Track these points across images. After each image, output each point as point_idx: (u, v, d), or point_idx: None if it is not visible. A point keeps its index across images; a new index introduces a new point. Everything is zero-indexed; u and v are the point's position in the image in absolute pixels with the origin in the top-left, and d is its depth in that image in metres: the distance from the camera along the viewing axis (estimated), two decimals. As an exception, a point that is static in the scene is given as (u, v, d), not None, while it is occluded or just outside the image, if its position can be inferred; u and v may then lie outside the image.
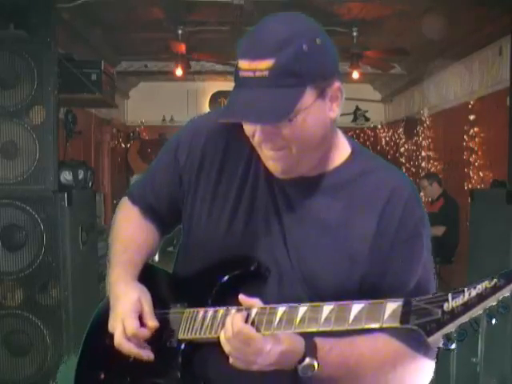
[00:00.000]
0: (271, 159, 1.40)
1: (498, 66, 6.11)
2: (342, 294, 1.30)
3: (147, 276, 1.59)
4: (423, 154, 8.79)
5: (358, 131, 10.34)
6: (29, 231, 3.93)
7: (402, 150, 9.76)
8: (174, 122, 9.98)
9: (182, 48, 6.67)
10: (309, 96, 1.32)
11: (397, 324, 1.17)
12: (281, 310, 1.29)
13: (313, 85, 1.32)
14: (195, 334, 1.42)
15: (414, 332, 1.28)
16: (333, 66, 1.37)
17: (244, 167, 1.49)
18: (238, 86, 1.34)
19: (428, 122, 8.59)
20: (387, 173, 1.47)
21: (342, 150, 1.47)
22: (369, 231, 1.39)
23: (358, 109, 10.19)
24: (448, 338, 1.13)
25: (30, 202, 3.92)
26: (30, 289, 3.97)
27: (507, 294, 1.09)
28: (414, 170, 9.22)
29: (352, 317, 1.22)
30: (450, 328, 1.12)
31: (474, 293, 1.11)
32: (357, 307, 1.22)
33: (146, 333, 1.46)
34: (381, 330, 1.35)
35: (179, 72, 7.09)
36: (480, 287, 1.11)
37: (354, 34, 6.55)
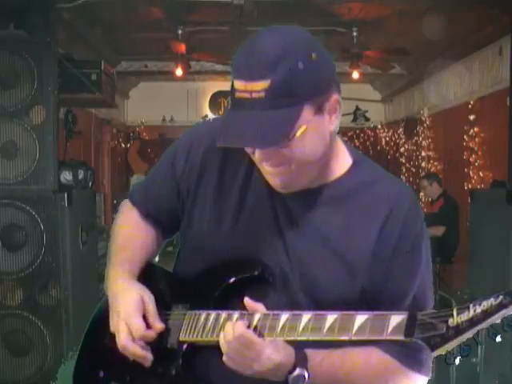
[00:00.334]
0: (271, 175, 1.39)
1: (498, 66, 6.11)
2: (342, 304, 1.30)
3: (149, 276, 1.59)
4: (423, 153, 8.78)
5: (358, 131, 10.33)
6: (29, 231, 3.93)
7: (402, 149, 9.76)
8: (174, 122, 9.98)
9: (182, 48, 6.67)
10: (307, 113, 1.30)
11: (401, 337, 1.17)
12: (284, 316, 1.29)
13: (310, 101, 1.30)
14: (197, 336, 1.41)
15: (407, 348, 1.29)
16: (330, 78, 1.35)
17: (244, 176, 1.48)
18: (235, 107, 1.32)
19: (428, 122, 8.59)
20: (388, 184, 1.46)
21: (343, 160, 1.46)
22: (369, 243, 1.38)
23: (358, 109, 10.18)
24: (451, 353, 1.13)
25: (30, 202, 3.92)
26: (30, 289, 3.97)
27: None
28: (413, 169, 9.22)
29: (356, 327, 1.22)
30: (454, 344, 1.13)
31: (479, 309, 1.11)
32: (361, 318, 1.23)
33: (153, 335, 1.45)
34: (375, 344, 1.36)
35: (179, 72, 7.09)
36: (485, 304, 1.11)
37: (354, 33, 6.54)
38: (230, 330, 1.30)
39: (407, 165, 9.50)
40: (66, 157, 5.47)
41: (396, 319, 1.19)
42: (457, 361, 1.14)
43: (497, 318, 1.10)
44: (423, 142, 8.76)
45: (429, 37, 6.03)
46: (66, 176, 4.63)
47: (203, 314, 1.42)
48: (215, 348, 1.34)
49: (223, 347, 1.31)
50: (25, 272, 3.94)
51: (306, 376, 1.31)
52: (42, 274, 3.95)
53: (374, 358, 1.38)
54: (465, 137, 7.03)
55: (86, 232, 4.29)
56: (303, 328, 1.26)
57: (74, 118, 6.02)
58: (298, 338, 1.27)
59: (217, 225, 1.48)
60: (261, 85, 1.27)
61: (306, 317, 1.27)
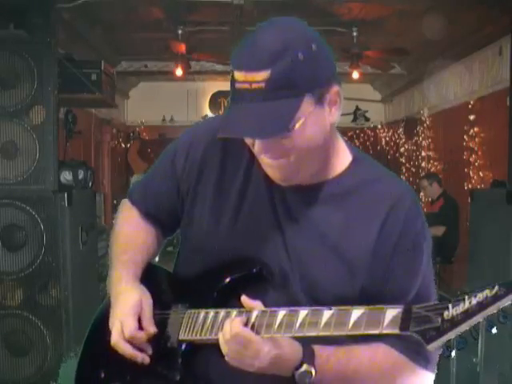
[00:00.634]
0: (271, 167, 1.39)
1: (498, 66, 6.11)
2: (342, 302, 1.29)
3: (149, 275, 1.59)
4: (423, 153, 8.78)
5: (358, 131, 10.33)
6: (29, 231, 3.93)
7: (402, 149, 9.76)
8: (174, 122, 9.98)
9: (182, 48, 6.67)
10: (307, 104, 1.30)
11: (396, 331, 1.17)
12: (281, 313, 1.29)
13: (310, 92, 1.30)
14: (196, 335, 1.42)
15: (414, 344, 1.28)
16: (330, 70, 1.35)
17: (244, 173, 1.48)
18: (235, 98, 1.32)
19: (428, 122, 8.59)
20: (388, 182, 1.46)
21: (343, 158, 1.46)
22: (369, 241, 1.38)
23: (358, 109, 10.19)
24: (447, 346, 1.13)
25: (30, 202, 3.92)
26: (30, 289, 3.97)
27: (508, 303, 1.09)
28: (413, 169, 9.22)
29: (352, 322, 1.22)
30: (450, 336, 1.12)
31: (474, 301, 1.10)
32: (357, 313, 1.22)
33: (143, 336, 1.45)
34: (381, 340, 1.36)
35: (179, 72, 7.09)
36: (481, 296, 1.10)
37: (354, 33, 6.55)
38: (227, 328, 1.30)
39: (407, 165, 9.50)
40: (66, 157, 5.47)
41: (391, 313, 1.19)
42: (453, 353, 1.14)
43: (492, 310, 1.09)
44: (423, 142, 8.76)
45: (429, 37, 6.04)
46: (66, 176, 4.63)
47: (202, 313, 1.43)
48: (215, 346, 1.34)
49: (223, 347, 1.31)
50: (25, 272, 3.94)
51: (313, 372, 1.32)
52: (42, 273, 3.95)
53: (380, 353, 1.38)
54: (465, 137, 7.03)
55: (86, 232, 4.29)
56: (300, 324, 1.26)
57: (74, 118, 6.02)
58: (296, 335, 1.27)
59: (216, 224, 1.48)
60: (261, 75, 1.27)
61: (303, 313, 1.27)
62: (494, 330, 1.10)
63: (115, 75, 6.03)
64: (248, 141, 1.38)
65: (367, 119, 10.39)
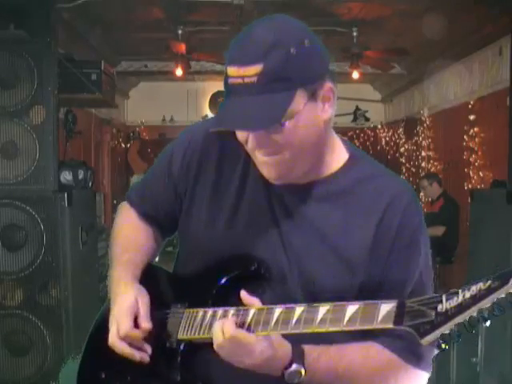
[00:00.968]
0: (265, 165, 1.39)
1: (498, 65, 6.11)
2: (340, 298, 1.29)
3: (149, 276, 1.59)
4: (423, 153, 8.78)
5: (357, 131, 10.33)
6: (29, 231, 3.93)
7: (402, 149, 9.76)
8: (174, 122, 9.98)
9: (182, 48, 6.68)
10: (299, 99, 1.30)
11: (390, 325, 1.17)
12: (278, 310, 1.29)
13: (303, 87, 1.30)
14: (194, 333, 1.42)
15: (408, 343, 1.28)
16: (323, 66, 1.35)
17: (241, 173, 1.48)
18: (228, 93, 1.33)
19: (428, 122, 8.59)
20: (386, 180, 1.45)
21: (339, 155, 1.46)
22: (367, 238, 1.38)
23: (358, 109, 10.18)
24: (443, 340, 1.13)
25: (30, 202, 3.92)
26: (30, 289, 3.97)
27: (502, 296, 1.09)
28: (413, 169, 9.22)
29: (347, 318, 1.22)
30: (444, 330, 1.11)
31: (468, 294, 1.10)
32: (352, 308, 1.23)
33: (138, 334, 1.45)
34: (375, 339, 1.36)
35: (179, 72, 7.09)
36: (474, 289, 1.10)
37: (354, 33, 6.55)
38: (219, 332, 1.30)
39: (407, 165, 9.51)
40: (66, 157, 5.47)
41: (386, 308, 1.19)
42: (445, 346, 1.14)
43: (486, 303, 1.09)
44: (423, 142, 8.76)
45: (429, 37, 6.04)
46: (66, 176, 4.63)
47: (200, 312, 1.43)
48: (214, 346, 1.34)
49: (216, 344, 1.31)
50: (25, 272, 3.94)
51: (303, 372, 1.32)
52: (42, 273, 3.95)
53: (372, 352, 1.37)
54: (465, 137, 7.03)
55: (86, 232, 4.29)
56: (296, 320, 1.26)
57: (74, 117, 6.03)
58: (292, 332, 1.27)
59: (214, 224, 1.49)
60: (253, 69, 1.27)
61: (299, 309, 1.27)
62: (488, 323, 1.10)
63: (115, 75, 6.03)
64: (241, 138, 1.38)
65: (367, 119, 10.39)
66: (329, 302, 1.26)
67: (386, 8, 5.81)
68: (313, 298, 1.36)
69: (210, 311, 1.41)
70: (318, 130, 1.37)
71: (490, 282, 1.10)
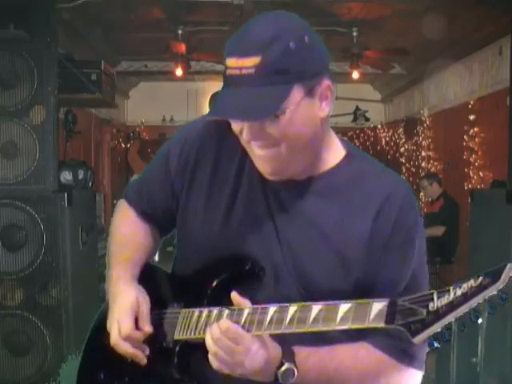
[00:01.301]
0: (261, 159, 1.39)
1: (498, 66, 6.11)
2: (336, 295, 1.29)
3: (146, 275, 1.59)
4: (423, 153, 8.78)
5: (357, 131, 10.33)
6: (29, 231, 3.93)
7: (402, 149, 9.76)
8: (174, 122, 9.99)
9: (182, 48, 6.68)
10: (296, 94, 1.30)
11: (382, 324, 1.17)
12: (272, 309, 1.29)
13: (300, 83, 1.30)
14: (190, 333, 1.42)
15: (400, 342, 1.28)
16: (321, 64, 1.36)
17: (237, 170, 1.48)
18: (226, 84, 1.33)
19: (428, 122, 8.59)
20: (383, 177, 1.45)
21: (336, 152, 1.46)
22: (362, 235, 1.38)
23: (358, 109, 10.18)
24: (434, 338, 1.12)
25: (30, 202, 3.92)
26: (30, 289, 3.97)
27: (494, 293, 1.08)
28: (413, 169, 9.21)
29: (339, 317, 1.22)
30: (436, 328, 1.11)
31: (459, 292, 1.10)
32: (344, 307, 1.23)
33: (140, 336, 1.46)
34: (366, 339, 1.36)
35: (179, 72, 7.09)
36: (466, 286, 1.09)
37: (354, 33, 6.55)
38: (215, 326, 1.30)
39: (407, 165, 9.50)
40: (66, 157, 5.48)
41: (377, 307, 1.19)
42: (435, 344, 1.13)
43: (477, 300, 1.08)
44: (423, 142, 8.76)
45: (429, 37, 6.04)
46: (66, 176, 4.64)
47: (196, 312, 1.43)
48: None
49: (212, 349, 1.30)
50: (25, 272, 3.94)
51: (295, 371, 1.31)
52: (42, 273, 3.95)
53: (362, 352, 1.37)
54: (465, 137, 7.03)
55: (86, 232, 4.29)
56: (289, 320, 1.26)
57: (74, 117, 6.03)
58: (285, 331, 1.27)
59: (210, 222, 1.49)
60: (251, 61, 1.27)
61: (292, 309, 1.27)
62: (480, 321, 1.10)
63: (115, 75, 6.03)
64: (236, 128, 1.38)
65: (367, 119, 10.39)
66: (322, 302, 1.26)
67: (386, 8, 5.81)
68: (307, 293, 1.37)
69: (205, 311, 1.41)
70: (313, 127, 1.37)
71: (481, 279, 1.09)
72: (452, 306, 1.09)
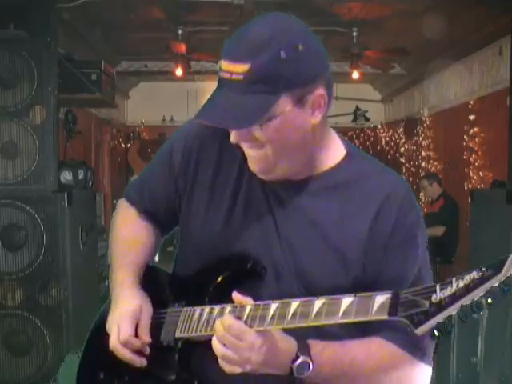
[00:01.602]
0: (249, 158, 1.41)
1: (498, 66, 6.11)
2: (335, 291, 1.29)
3: (147, 276, 1.60)
4: (423, 153, 8.79)
5: (358, 131, 10.33)
6: (29, 231, 3.93)
7: (402, 149, 9.76)
8: (174, 122, 9.99)
9: (182, 48, 6.68)
10: (283, 103, 1.30)
11: (385, 316, 1.17)
12: (274, 306, 1.30)
13: (288, 92, 1.30)
14: (192, 332, 1.42)
15: (411, 337, 1.28)
16: (315, 72, 1.33)
17: (238, 169, 1.49)
18: (219, 85, 1.34)
19: (428, 122, 8.59)
20: (383, 176, 1.46)
21: (335, 152, 1.46)
22: (362, 233, 1.38)
23: (358, 109, 10.18)
24: (437, 330, 1.13)
25: (30, 202, 3.92)
26: (30, 289, 3.97)
27: (495, 285, 1.09)
28: (413, 169, 9.22)
29: (342, 310, 1.22)
30: (438, 319, 1.11)
31: (461, 284, 1.10)
32: (347, 301, 1.23)
33: (137, 344, 1.47)
34: (378, 333, 1.36)
35: (179, 72, 7.09)
36: (468, 278, 1.10)
37: (354, 33, 6.55)
38: (219, 324, 1.30)
39: (407, 165, 9.51)
40: (66, 157, 5.48)
41: (380, 299, 1.19)
42: (435, 332, 1.13)
43: (479, 292, 1.09)
44: (423, 142, 8.76)
45: (429, 37, 6.04)
46: (66, 176, 4.64)
47: (197, 310, 1.43)
48: (211, 343, 1.34)
49: (217, 347, 1.30)
50: (25, 272, 3.94)
51: (311, 364, 1.32)
52: (42, 273, 3.95)
53: (375, 346, 1.38)
54: (465, 137, 7.03)
55: (86, 232, 4.29)
56: (292, 315, 1.26)
57: (74, 117, 6.03)
58: (287, 326, 1.27)
59: (211, 221, 1.49)
60: (241, 67, 1.28)
61: (295, 304, 1.28)
62: (481, 313, 1.10)
63: (115, 75, 6.03)
64: (230, 130, 1.39)
65: (367, 119, 10.39)
66: (324, 296, 1.26)
67: (386, 8, 5.81)
68: (309, 291, 1.37)
69: (207, 308, 1.41)
70: (303, 133, 1.37)
71: (483, 270, 1.10)
72: (454, 298, 1.10)
